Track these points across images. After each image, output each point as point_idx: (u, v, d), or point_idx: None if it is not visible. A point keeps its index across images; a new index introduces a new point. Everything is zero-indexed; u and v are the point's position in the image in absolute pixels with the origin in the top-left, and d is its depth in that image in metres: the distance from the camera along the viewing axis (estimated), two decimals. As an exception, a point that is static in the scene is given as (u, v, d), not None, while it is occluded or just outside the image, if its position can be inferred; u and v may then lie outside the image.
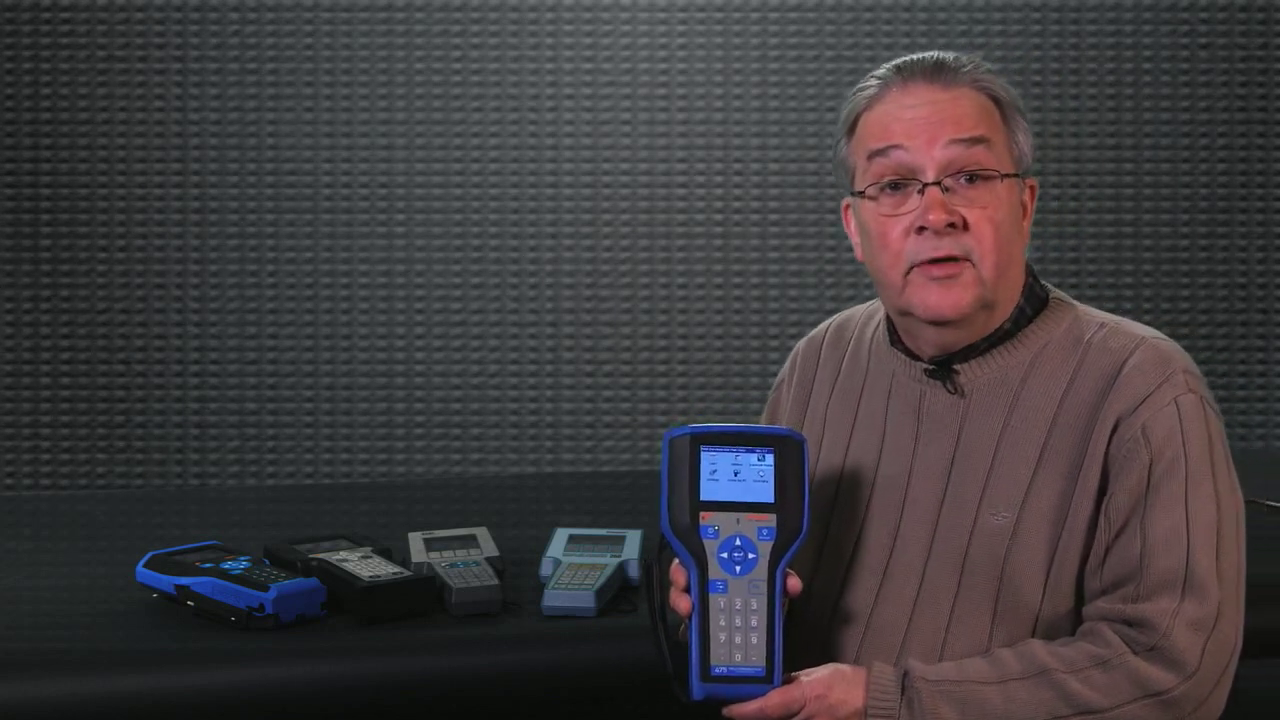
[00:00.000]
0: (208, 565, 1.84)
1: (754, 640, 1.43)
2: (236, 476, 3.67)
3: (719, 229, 3.73)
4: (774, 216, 3.73)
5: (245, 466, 3.67)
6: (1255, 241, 3.74)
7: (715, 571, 1.44)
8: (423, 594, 1.84)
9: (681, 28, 3.71)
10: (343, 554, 1.90)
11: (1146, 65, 3.73)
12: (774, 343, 3.73)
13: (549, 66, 3.70)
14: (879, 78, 1.56)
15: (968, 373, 1.55)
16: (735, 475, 1.47)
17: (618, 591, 1.90)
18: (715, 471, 1.47)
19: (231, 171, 3.68)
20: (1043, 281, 1.60)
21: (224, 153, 3.67)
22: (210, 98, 3.66)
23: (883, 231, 1.53)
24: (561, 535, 2.03)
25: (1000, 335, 1.55)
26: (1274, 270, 3.75)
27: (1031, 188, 1.58)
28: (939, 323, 1.53)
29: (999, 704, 1.42)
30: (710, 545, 1.45)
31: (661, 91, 3.71)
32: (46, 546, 2.23)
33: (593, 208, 3.72)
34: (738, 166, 3.73)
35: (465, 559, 1.92)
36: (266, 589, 1.77)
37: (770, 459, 1.47)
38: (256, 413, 3.68)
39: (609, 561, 1.92)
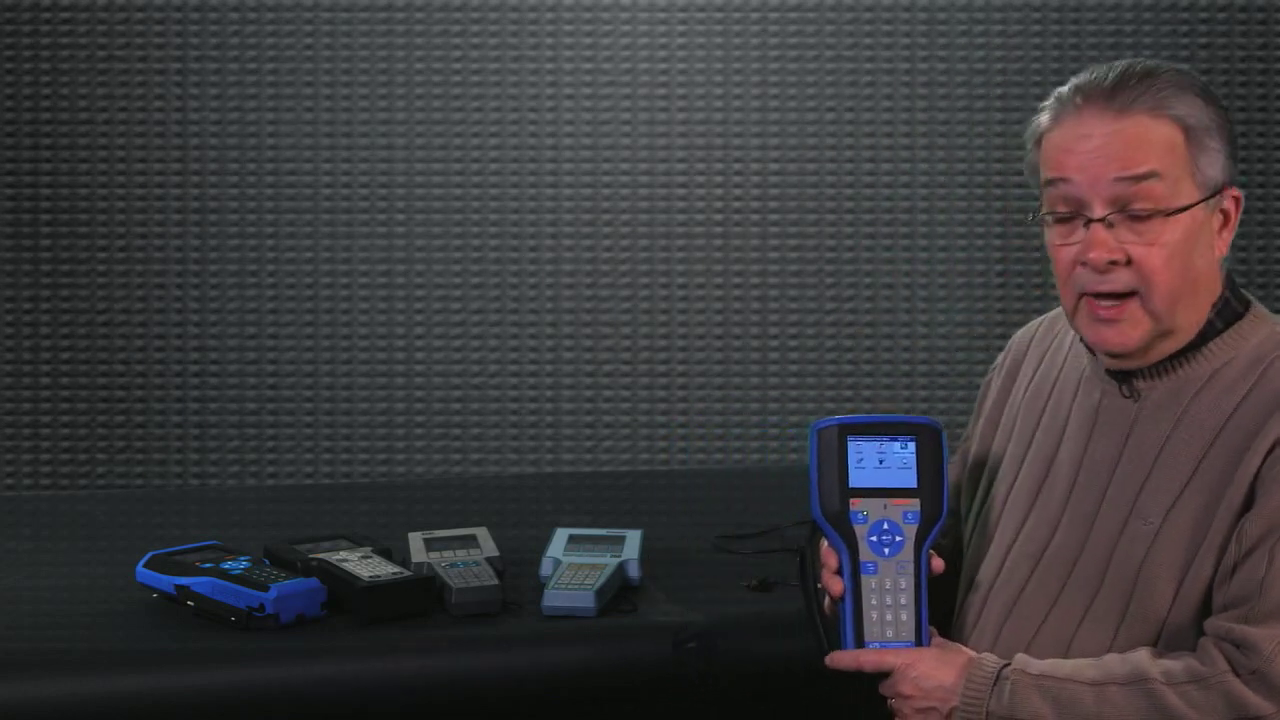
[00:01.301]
0: (208, 565, 1.84)
1: (904, 617, 1.52)
2: (236, 476, 3.67)
3: (719, 229, 3.73)
4: (774, 216, 3.73)
5: (245, 466, 3.67)
6: (1255, 242, 3.74)
7: (866, 554, 1.53)
8: (423, 594, 1.84)
9: (681, 28, 3.71)
10: (343, 554, 1.90)
11: (1146, 65, 3.72)
12: (774, 342, 3.73)
13: (549, 66, 3.70)
14: (1059, 98, 1.54)
15: (1146, 376, 1.55)
16: (880, 463, 1.56)
17: (618, 591, 1.90)
18: (862, 460, 1.55)
19: (231, 171, 3.68)
20: (1243, 293, 1.57)
21: (224, 153, 3.67)
22: (210, 98, 3.66)
23: (1056, 257, 1.54)
24: (561, 535, 2.02)
25: (1183, 349, 1.54)
26: (1274, 270, 3.75)
27: (1235, 198, 1.53)
28: (1110, 355, 1.54)
29: (1091, 705, 1.43)
30: (860, 530, 1.54)
31: (661, 91, 3.71)
32: (46, 546, 2.22)
33: (593, 208, 3.72)
34: (738, 166, 3.73)
35: (465, 559, 1.92)
36: (266, 589, 1.77)
37: (912, 446, 1.56)
38: (256, 413, 3.68)
39: (609, 561, 1.92)
